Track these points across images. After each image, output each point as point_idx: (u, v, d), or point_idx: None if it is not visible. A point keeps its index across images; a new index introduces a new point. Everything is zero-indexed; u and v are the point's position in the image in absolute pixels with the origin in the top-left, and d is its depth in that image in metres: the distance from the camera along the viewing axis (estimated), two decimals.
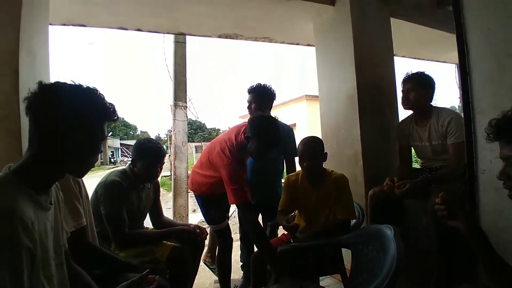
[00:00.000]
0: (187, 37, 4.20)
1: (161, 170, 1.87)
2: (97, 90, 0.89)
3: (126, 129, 52.15)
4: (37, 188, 0.79)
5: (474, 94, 1.50)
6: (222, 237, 2.14)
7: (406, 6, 2.60)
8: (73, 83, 0.86)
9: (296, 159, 2.11)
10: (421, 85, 1.88)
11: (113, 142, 35.39)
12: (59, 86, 0.83)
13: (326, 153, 1.79)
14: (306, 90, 14.30)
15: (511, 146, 0.86)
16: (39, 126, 0.79)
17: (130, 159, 1.81)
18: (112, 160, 31.36)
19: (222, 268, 2.16)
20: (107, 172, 1.86)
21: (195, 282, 2.02)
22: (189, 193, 4.34)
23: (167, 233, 1.80)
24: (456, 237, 1.63)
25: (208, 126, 45.54)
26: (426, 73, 1.91)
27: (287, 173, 2.39)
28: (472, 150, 1.51)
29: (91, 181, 1.72)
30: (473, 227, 0.94)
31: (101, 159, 28.45)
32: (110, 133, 39.45)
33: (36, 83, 0.81)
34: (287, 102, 13.66)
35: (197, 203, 2.27)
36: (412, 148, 2.07)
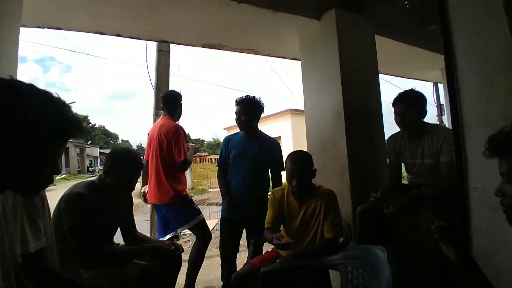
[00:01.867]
0: (171, 44, 4.11)
1: (135, 183, 1.72)
2: (65, 102, 0.76)
3: (107, 138, 50.72)
4: None
5: (463, 110, 1.48)
6: (203, 229, 2.30)
7: (391, 24, 2.65)
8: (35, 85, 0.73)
9: (283, 173, 2.05)
10: (415, 106, 1.85)
11: (92, 151, 34.10)
12: (18, 83, 0.69)
13: (315, 169, 1.71)
14: (289, 104, 14.45)
15: (508, 162, 0.81)
16: None
17: (103, 168, 1.65)
18: (90, 169, 30.08)
19: (196, 264, 2.25)
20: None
21: None
22: None
23: (139, 250, 1.64)
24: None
25: (192, 136, 44.95)
26: (416, 90, 1.90)
27: (273, 187, 2.32)
28: (462, 167, 1.48)
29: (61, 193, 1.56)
30: (466, 262, 0.89)
31: (79, 167, 27.31)
32: (90, 141, 38.20)
33: None
34: (271, 115, 13.70)
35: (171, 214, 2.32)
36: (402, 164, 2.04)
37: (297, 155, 1.71)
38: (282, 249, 1.58)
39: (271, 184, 2.37)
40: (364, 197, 1.96)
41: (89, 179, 1.82)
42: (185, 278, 2.25)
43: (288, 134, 12.33)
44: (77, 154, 28.44)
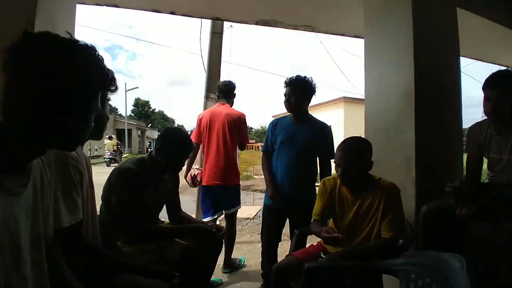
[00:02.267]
0: (225, 27, 4.06)
1: (184, 163, 1.71)
2: (96, 50, 0.72)
3: (164, 122, 54.49)
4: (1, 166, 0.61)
5: None
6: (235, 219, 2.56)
7: None
8: (68, 38, 0.69)
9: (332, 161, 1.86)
10: (509, 90, 1.45)
11: (151, 133, 37.26)
12: (49, 37, 0.66)
13: (371, 161, 1.49)
14: (343, 92, 13.66)
15: None
16: (16, 85, 0.63)
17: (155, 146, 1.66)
18: (149, 149, 32.79)
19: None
20: None
21: None
22: None
23: (182, 230, 1.64)
24: None
25: None
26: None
27: (321, 177, 2.13)
28: None
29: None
30: None
31: (139, 148, 29.96)
32: (150, 124, 41.60)
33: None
34: (323, 103, 13.15)
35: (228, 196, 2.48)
36: (485, 159, 1.68)
37: (349, 141, 1.51)
38: (331, 243, 1.42)
39: (318, 174, 2.20)
40: (431, 194, 1.66)
41: (139, 156, 1.86)
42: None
43: (340, 124, 11.71)
44: (138, 135, 31.22)
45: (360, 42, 2.36)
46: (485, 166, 1.74)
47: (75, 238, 0.96)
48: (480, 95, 1.57)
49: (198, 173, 2.60)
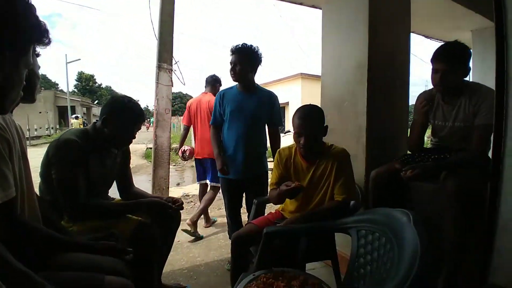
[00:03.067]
0: None
1: (135, 135, 1.57)
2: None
3: None
4: None
5: (510, 62, 1.25)
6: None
7: None
8: None
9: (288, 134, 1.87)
10: (461, 62, 1.54)
11: (98, 111, 34.16)
12: None
13: (326, 126, 1.52)
14: (300, 69, 13.86)
15: None
16: None
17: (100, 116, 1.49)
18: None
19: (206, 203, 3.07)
20: None
21: (169, 259, 1.80)
22: (171, 165, 4.05)
23: (133, 205, 1.52)
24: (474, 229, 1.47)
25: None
26: (461, 42, 1.58)
27: (271, 146, 2.19)
28: (501, 130, 1.27)
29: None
30: None
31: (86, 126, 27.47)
32: (96, 101, 38.24)
33: None
34: (280, 80, 13.24)
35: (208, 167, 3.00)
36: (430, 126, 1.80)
37: (306, 109, 1.50)
38: (292, 194, 1.44)
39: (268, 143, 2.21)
40: (380, 161, 1.78)
41: (82, 127, 1.67)
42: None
43: (297, 100, 11.98)
44: (84, 113, 28.56)
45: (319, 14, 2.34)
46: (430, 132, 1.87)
47: (9, 217, 0.83)
48: (423, 73, 1.66)
49: (187, 149, 3.23)
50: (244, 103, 2.03)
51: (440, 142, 1.74)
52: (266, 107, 2.07)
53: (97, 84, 50.12)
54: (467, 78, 1.64)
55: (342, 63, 2.06)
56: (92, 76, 48.60)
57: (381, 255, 1.02)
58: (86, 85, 47.10)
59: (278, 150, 1.69)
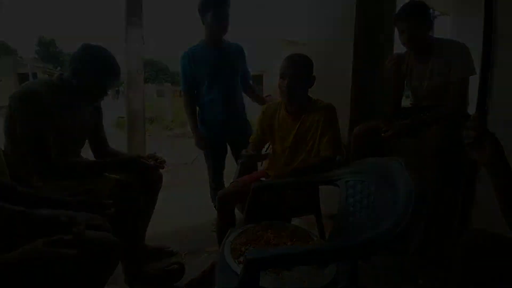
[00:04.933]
0: None
1: (109, 89, 1.43)
2: None
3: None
4: None
5: (498, 17, 1.24)
6: None
7: None
8: None
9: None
10: (421, 17, 1.56)
11: None
12: None
13: (314, 76, 1.47)
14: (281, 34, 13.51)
15: None
16: None
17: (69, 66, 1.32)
18: None
19: None
20: None
21: (155, 230, 1.74)
22: (147, 131, 3.87)
23: (110, 163, 1.42)
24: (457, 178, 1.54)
25: (172, 69, 41.76)
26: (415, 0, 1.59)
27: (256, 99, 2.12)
28: (486, 84, 1.29)
29: None
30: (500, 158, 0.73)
31: None
32: (58, 67, 35.32)
33: None
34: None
35: None
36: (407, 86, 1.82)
37: (294, 55, 1.46)
38: (248, 162, 1.49)
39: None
40: (364, 117, 1.79)
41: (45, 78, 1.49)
42: None
43: (276, 69, 11.74)
44: None
45: None
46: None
47: None
48: None
49: None
50: (217, 60, 1.88)
51: (420, 101, 1.77)
52: (238, 60, 1.96)
53: (57, 49, 46.00)
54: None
55: (329, 17, 2.00)
56: (53, 40, 44.38)
57: (371, 201, 1.03)
58: (47, 50, 43.10)
59: (263, 107, 1.64)
